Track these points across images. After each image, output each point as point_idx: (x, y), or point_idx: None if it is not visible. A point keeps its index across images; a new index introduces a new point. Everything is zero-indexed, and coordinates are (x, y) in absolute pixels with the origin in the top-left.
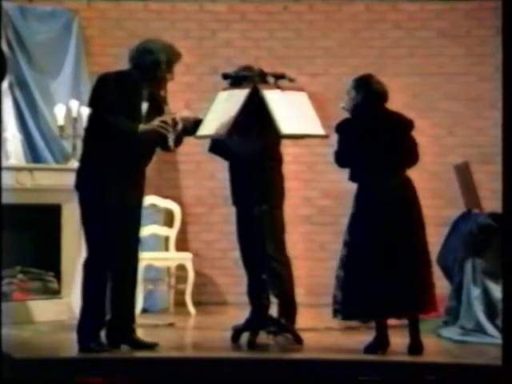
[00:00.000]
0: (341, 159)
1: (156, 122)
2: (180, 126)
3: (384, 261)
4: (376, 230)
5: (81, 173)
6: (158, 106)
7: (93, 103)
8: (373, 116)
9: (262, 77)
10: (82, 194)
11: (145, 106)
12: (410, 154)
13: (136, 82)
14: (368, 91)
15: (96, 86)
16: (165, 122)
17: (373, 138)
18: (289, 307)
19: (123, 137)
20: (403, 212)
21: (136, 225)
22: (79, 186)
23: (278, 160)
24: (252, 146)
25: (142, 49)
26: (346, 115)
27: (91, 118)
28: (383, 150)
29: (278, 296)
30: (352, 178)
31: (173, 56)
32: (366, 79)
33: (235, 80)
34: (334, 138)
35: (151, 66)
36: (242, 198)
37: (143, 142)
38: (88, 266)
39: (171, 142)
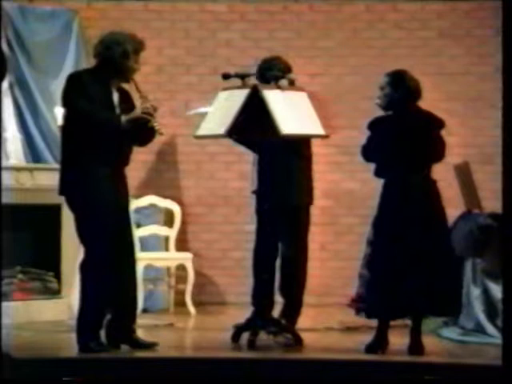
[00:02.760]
0: (368, 154)
1: (138, 110)
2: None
3: (408, 260)
4: (400, 229)
5: (66, 177)
6: (127, 97)
7: (68, 102)
8: (407, 113)
9: (263, 76)
10: (71, 199)
11: (116, 98)
12: (435, 151)
13: (105, 76)
14: (404, 88)
15: (68, 85)
16: (146, 108)
17: (404, 135)
18: (294, 308)
19: (107, 130)
20: (427, 212)
21: (128, 224)
22: (67, 191)
23: (305, 158)
24: (271, 143)
25: (107, 42)
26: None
27: (68, 118)
28: (413, 148)
29: (285, 296)
30: (377, 174)
31: (138, 45)
32: (401, 75)
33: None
34: (334, 138)
35: (120, 57)
36: (261, 197)
37: (126, 134)
38: (85, 267)
39: (158, 126)
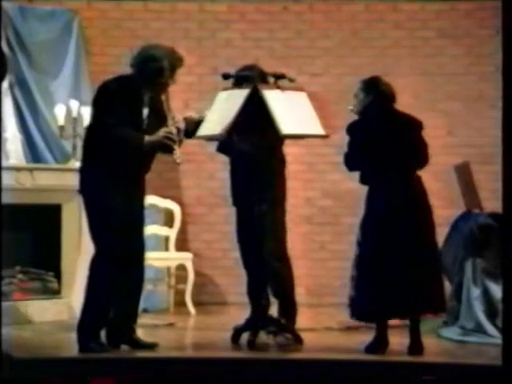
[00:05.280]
0: (351, 162)
1: (161, 134)
2: (182, 127)
3: (395, 261)
4: (386, 230)
5: (85, 177)
6: (158, 111)
7: (96, 112)
8: (382, 117)
9: (262, 77)
10: (87, 198)
11: (145, 112)
12: (418, 155)
13: (137, 88)
14: (377, 93)
15: (98, 96)
16: (170, 133)
17: (382, 139)
18: (289, 307)
19: (129, 148)
20: (413, 212)
21: (140, 226)
22: (83, 189)
23: (280, 160)
24: (253, 145)
25: (144, 56)
26: (351, 116)
27: (94, 125)
28: (393, 151)
29: (277, 296)
30: (363, 181)
31: (176, 62)
32: (373, 81)
33: (237, 79)
34: (334, 138)
35: (154, 74)
36: (243, 198)
37: (148, 152)
38: (94, 266)
39: (178, 158)
